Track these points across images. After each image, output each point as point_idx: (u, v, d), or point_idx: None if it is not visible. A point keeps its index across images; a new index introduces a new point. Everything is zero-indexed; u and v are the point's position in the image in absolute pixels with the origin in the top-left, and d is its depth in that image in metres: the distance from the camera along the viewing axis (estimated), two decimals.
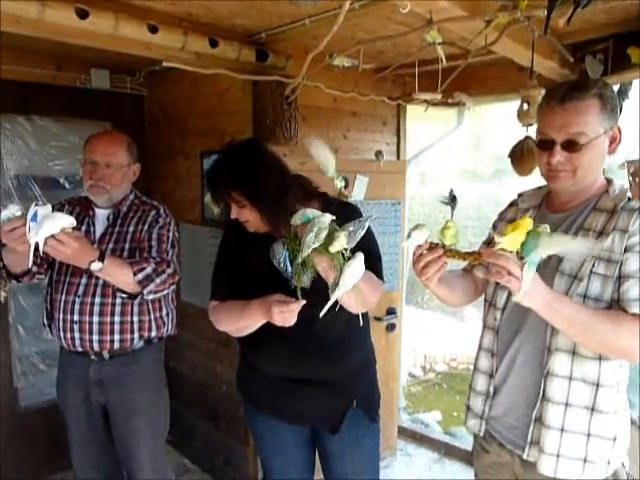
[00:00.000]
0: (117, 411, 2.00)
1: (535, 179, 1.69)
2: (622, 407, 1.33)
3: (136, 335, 1.95)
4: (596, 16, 1.98)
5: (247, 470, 2.67)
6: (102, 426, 2.05)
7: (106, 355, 1.94)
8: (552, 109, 1.27)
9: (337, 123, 2.79)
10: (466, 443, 3.26)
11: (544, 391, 1.30)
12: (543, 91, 1.93)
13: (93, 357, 1.95)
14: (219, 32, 2.12)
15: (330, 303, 1.32)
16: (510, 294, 1.35)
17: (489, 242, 1.51)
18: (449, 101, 2.58)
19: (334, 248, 1.30)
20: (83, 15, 1.73)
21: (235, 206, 1.55)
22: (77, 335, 1.90)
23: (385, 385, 2.77)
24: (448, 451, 3.32)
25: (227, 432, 2.79)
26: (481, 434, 1.47)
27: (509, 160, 2.20)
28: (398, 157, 3.18)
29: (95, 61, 2.73)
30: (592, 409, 1.27)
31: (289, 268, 1.51)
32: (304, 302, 1.40)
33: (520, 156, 2.13)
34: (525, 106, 2.10)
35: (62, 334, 1.92)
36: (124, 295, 1.84)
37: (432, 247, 1.23)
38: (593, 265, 1.23)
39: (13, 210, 1.56)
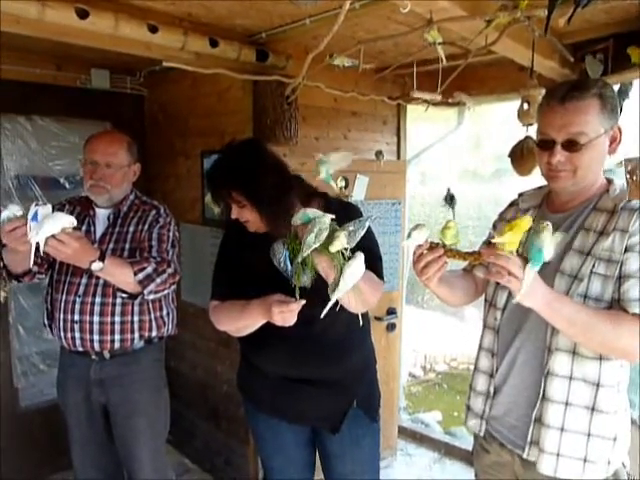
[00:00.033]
0: (118, 411, 2.00)
1: (535, 179, 1.69)
2: (622, 407, 1.32)
3: (136, 335, 1.95)
4: (596, 16, 1.98)
5: (247, 470, 2.67)
6: (102, 426, 2.05)
7: (107, 355, 1.95)
8: (552, 109, 1.27)
9: (337, 123, 2.79)
10: (466, 443, 3.26)
11: (544, 391, 1.30)
12: (543, 91, 1.93)
13: (94, 357, 1.95)
14: (219, 32, 2.12)
15: (331, 303, 1.32)
16: (510, 294, 1.35)
17: (489, 242, 1.51)
18: (449, 101, 2.58)
19: (334, 248, 1.30)
20: (83, 15, 1.73)
21: (235, 206, 1.55)
22: (78, 335, 1.90)
23: (385, 385, 2.77)
24: (448, 451, 3.32)
25: (228, 432, 2.79)
26: (481, 434, 1.47)
27: (509, 160, 2.20)
28: (398, 157, 3.18)
29: (95, 61, 2.73)
30: (592, 409, 1.27)
31: (289, 268, 1.51)
32: (304, 302, 1.40)
33: (520, 156, 2.13)
34: (525, 106, 2.10)
35: (62, 334, 1.92)
36: (124, 295, 1.85)
37: (432, 247, 1.23)
38: (593, 265, 1.23)
39: (14, 210, 1.56)
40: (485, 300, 1.52)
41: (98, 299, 1.89)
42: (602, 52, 2.19)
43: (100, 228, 1.98)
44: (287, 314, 1.41)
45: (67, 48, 2.09)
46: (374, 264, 1.54)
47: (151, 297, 1.87)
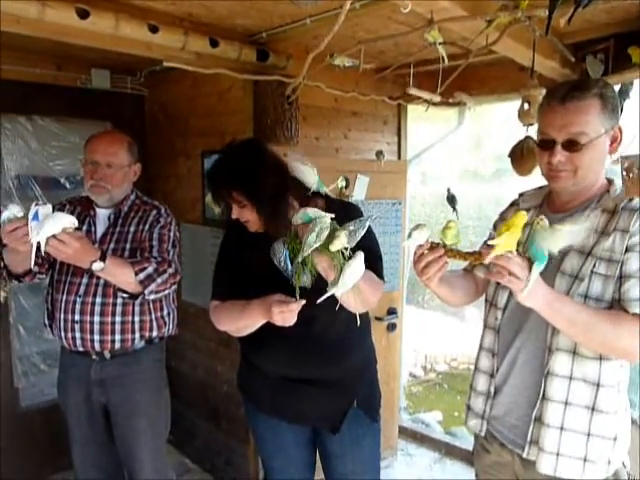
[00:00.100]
0: (118, 411, 2.00)
1: (536, 179, 1.69)
2: (623, 407, 1.32)
3: (137, 335, 1.95)
4: (597, 16, 1.98)
5: (248, 470, 2.67)
6: (103, 426, 2.05)
7: (107, 355, 1.95)
8: (553, 109, 1.27)
9: (338, 123, 2.79)
10: (467, 443, 3.25)
11: (544, 391, 1.30)
12: (544, 91, 1.93)
13: (94, 357, 1.95)
14: (220, 32, 2.12)
15: (328, 294, 1.32)
16: (511, 294, 1.35)
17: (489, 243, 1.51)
18: (450, 101, 2.58)
19: (334, 247, 1.30)
20: (83, 15, 1.73)
21: (236, 206, 1.55)
22: (78, 335, 1.90)
23: (386, 385, 2.76)
24: (449, 451, 3.32)
25: (228, 432, 2.79)
26: (482, 434, 1.47)
27: (509, 160, 2.20)
28: (399, 157, 3.18)
29: (96, 61, 2.73)
30: (592, 409, 1.27)
31: (289, 267, 1.51)
32: (304, 302, 1.40)
33: (520, 156, 2.13)
34: (526, 106, 2.10)
35: (63, 334, 1.92)
36: (125, 295, 1.85)
37: (433, 247, 1.23)
38: (594, 265, 1.23)
39: (14, 210, 1.56)
40: (486, 300, 1.52)
41: (99, 299, 1.89)
42: (603, 52, 2.19)
43: (101, 228, 1.98)
44: (287, 314, 1.41)
45: (67, 48, 2.09)
46: (374, 264, 1.54)
47: (152, 297, 1.87)
